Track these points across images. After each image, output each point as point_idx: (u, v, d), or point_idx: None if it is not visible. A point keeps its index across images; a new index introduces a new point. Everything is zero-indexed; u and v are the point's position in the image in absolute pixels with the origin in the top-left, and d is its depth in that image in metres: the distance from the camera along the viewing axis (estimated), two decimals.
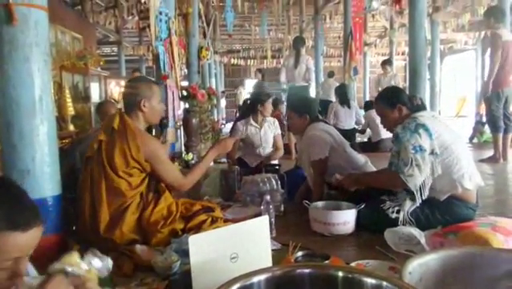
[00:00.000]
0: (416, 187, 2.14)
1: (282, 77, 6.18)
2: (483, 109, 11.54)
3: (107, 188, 1.98)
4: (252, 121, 3.85)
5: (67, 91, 5.15)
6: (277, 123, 3.96)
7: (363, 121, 6.50)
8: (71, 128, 5.05)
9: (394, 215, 2.21)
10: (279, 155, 3.89)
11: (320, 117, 3.02)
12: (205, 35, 6.62)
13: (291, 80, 6.07)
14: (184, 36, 5.54)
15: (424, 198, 2.17)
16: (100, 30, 9.90)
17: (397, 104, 2.34)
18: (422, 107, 2.48)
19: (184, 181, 2.17)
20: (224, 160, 4.13)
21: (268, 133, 3.86)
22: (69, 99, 5.10)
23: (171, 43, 4.07)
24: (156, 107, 2.16)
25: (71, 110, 5.09)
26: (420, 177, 2.12)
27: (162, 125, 3.23)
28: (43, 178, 1.93)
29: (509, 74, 4.51)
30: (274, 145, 3.90)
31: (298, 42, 6.19)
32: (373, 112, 6.15)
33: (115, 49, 12.44)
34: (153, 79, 2.80)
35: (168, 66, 4.43)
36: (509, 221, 2.00)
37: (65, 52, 6.22)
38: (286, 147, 5.52)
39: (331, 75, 9.34)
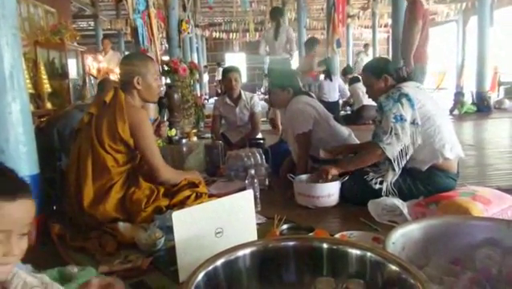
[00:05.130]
0: (393, 155, 2.17)
1: (261, 49, 6.06)
2: (463, 81, 11.67)
3: (93, 162, 1.96)
4: (227, 99, 3.76)
5: (43, 68, 4.97)
6: (256, 99, 3.80)
7: (347, 94, 6.54)
8: (49, 105, 4.91)
9: (377, 186, 2.24)
10: (256, 133, 3.74)
11: (303, 90, 2.99)
12: (184, 8, 6.43)
13: (272, 53, 5.95)
14: (164, 9, 5.37)
15: (401, 167, 2.19)
16: (75, 4, 9.55)
17: (383, 74, 2.34)
18: (408, 79, 2.48)
19: (165, 168, 2.07)
20: (207, 135, 4.09)
21: (244, 112, 3.75)
22: (45, 76, 4.93)
23: (149, 16, 3.95)
24: (153, 85, 2.11)
25: (47, 87, 4.93)
26: (397, 146, 2.15)
27: (161, 104, 3.15)
28: (19, 158, 1.87)
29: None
30: (252, 124, 3.76)
31: (277, 13, 6.03)
32: (357, 85, 6.23)
33: (92, 23, 12.04)
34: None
35: (147, 40, 4.32)
36: (489, 190, 2.03)
37: (38, 27, 5.97)
38: (272, 121, 5.51)
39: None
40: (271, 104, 4.88)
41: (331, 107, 5.29)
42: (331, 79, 6.21)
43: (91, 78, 6.48)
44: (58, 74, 5.65)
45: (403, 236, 1.22)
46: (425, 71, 4.14)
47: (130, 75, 2.06)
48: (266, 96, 5.38)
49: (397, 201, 2.03)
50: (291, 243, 1.12)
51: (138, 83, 2.06)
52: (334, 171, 2.35)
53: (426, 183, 2.21)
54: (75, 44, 6.15)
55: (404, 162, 2.19)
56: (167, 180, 2.06)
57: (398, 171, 2.21)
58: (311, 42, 6.32)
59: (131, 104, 2.03)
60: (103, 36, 8.49)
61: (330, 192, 2.30)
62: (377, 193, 2.20)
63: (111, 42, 7.56)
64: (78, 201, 1.94)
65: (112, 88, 2.11)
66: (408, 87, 2.25)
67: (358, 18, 13.80)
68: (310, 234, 1.75)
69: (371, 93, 2.43)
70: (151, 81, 2.10)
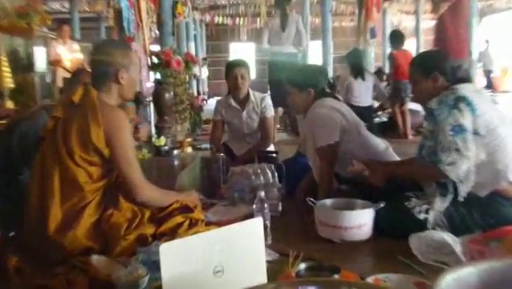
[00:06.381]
0: (459, 177, 2.14)
1: (265, 41, 6.17)
2: None
3: (61, 178, 1.97)
4: (232, 100, 3.75)
5: (4, 58, 5.04)
6: (268, 101, 3.80)
7: (385, 95, 6.53)
8: (10, 104, 4.97)
9: (422, 216, 2.22)
10: (266, 146, 3.74)
11: (328, 91, 2.99)
12: None
13: (276, 45, 6.09)
14: None
15: (467, 191, 2.15)
16: None
17: (433, 72, 2.34)
18: (466, 81, 2.45)
19: (146, 185, 2.06)
20: (206, 145, 4.10)
21: (252, 116, 3.75)
22: (6, 68, 5.00)
23: None
24: (135, 79, 2.18)
25: (9, 81, 5.01)
26: (463, 165, 2.12)
27: (138, 101, 3.19)
28: None
29: None
30: (261, 132, 3.76)
31: (282, 1, 6.13)
32: None
33: (67, 4, 12.24)
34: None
35: (133, 25, 4.37)
36: None
37: (1, 8, 6.06)
38: (292, 123, 5.51)
39: None
40: (288, 109, 4.89)
41: (363, 113, 5.29)
42: (363, 78, 6.19)
43: (61, 71, 6.53)
44: (22, 66, 5.73)
45: (456, 282, 1.19)
46: (468, 69, 4.19)
47: (111, 67, 2.08)
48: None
49: (447, 236, 1.99)
50: (312, 288, 1.10)
51: (122, 78, 2.09)
52: (380, 174, 2.39)
53: (485, 213, 2.18)
54: (45, 30, 6.24)
55: (470, 185, 2.15)
56: (147, 200, 2.06)
57: (462, 196, 2.17)
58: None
59: (106, 104, 2.05)
60: (62, 21, 8.37)
61: (361, 221, 2.28)
62: (421, 225, 2.18)
63: (68, 26, 7.57)
64: (42, 227, 1.94)
65: (80, 84, 2.14)
66: (465, 90, 2.24)
67: (397, 1, 13.87)
68: (335, 276, 1.73)
69: (417, 94, 2.45)
70: (134, 75, 2.15)
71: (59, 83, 6.08)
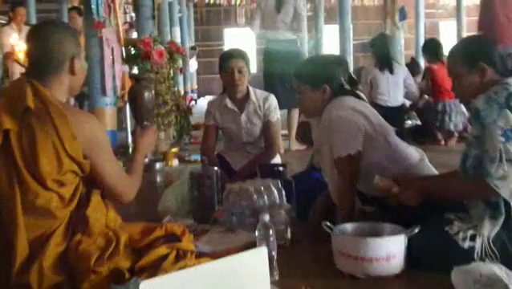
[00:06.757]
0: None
1: (256, 24, 6.25)
2: None
3: (25, 206, 1.95)
4: (227, 100, 3.78)
5: None
6: (272, 101, 3.81)
7: (416, 93, 6.50)
8: None
9: (466, 244, 2.21)
10: (272, 156, 3.76)
11: (348, 88, 2.99)
12: None
13: (269, 29, 6.17)
14: None
15: None
16: None
17: (479, 63, 2.34)
18: None
19: (130, 184, 2.24)
20: (196, 157, 4.11)
21: (254, 120, 3.77)
22: None
23: None
24: (85, 69, 2.27)
25: None
26: None
27: (80, 96, 3.20)
28: None
29: None
30: (265, 140, 3.79)
31: None
32: None
33: None
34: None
35: (104, 7, 4.40)
36: None
37: None
38: (304, 125, 5.51)
39: None
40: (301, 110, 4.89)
41: (392, 115, 5.29)
42: (391, 71, 6.20)
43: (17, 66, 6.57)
44: None
45: None
46: None
47: (63, 55, 2.09)
48: None
49: (500, 270, 1.99)
50: None
51: (76, 68, 2.11)
52: (413, 191, 2.38)
53: None
54: None
55: None
56: (134, 195, 2.26)
57: None
58: None
59: (66, 105, 2.10)
60: (15, 3, 8.32)
61: (390, 251, 2.27)
62: (466, 256, 2.17)
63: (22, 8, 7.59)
64: (4, 264, 1.95)
65: (22, 82, 2.09)
66: None
67: None
68: None
69: (460, 90, 2.45)
70: (84, 62, 2.22)
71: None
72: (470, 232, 2.24)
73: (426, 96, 6.57)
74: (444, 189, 2.50)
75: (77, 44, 2.17)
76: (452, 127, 6.13)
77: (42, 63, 2.10)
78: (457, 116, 6.12)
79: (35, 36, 2.18)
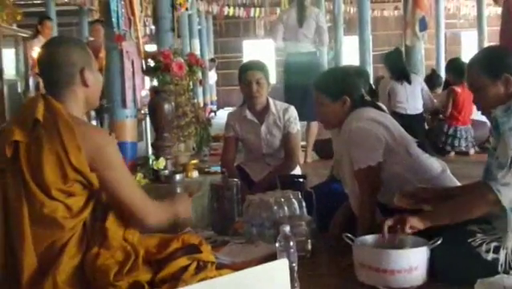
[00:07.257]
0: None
1: (279, 37, 6.35)
2: None
3: (32, 216, 1.95)
4: (247, 112, 3.79)
5: None
6: (292, 113, 3.81)
7: (433, 103, 6.55)
8: None
9: (490, 256, 2.20)
10: (292, 168, 3.76)
11: (368, 99, 2.99)
12: None
13: (291, 42, 6.29)
14: None
15: None
16: None
17: (503, 73, 2.32)
18: None
19: (151, 208, 2.14)
20: (216, 168, 4.13)
21: (273, 132, 3.77)
22: None
23: None
24: (100, 80, 2.23)
25: None
26: None
27: (100, 110, 3.21)
28: None
29: None
30: (285, 151, 3.79)
31: None
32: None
33: None
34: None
35: (124, 21, 4.44)
36: None
37: None
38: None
39: None
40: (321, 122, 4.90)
41: (412, 123, 5.27)
42: (408, 81, 6.21)
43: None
44: None
45: None
46: None
47: (73, 68, 2.08)
48: None
49: None
50: None
51: (88, 78, 2.10)
52: (415, 222, 2.32)
53: None
54: (15, 27, 6.36)
55: None
56: (156, 225, 2.16)
57: None
58: None
59: (77, 118, 2.06)
60: (43, 17, 8.25)
61: (412, 263, 2.26)
62: (490, 268, 2.16)
63: (49, 20, 7.68)
64: (10, 280, 1.95)
65: (36, 96, 2.11)
66: None
67: None
68: None
69: (482, 102, 2.42)
70: (98, 74, 2.20)
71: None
72: (494, 244, 2.22)
73: (440, 116, 6.65)
74: (450, 210, 2.42)
75: (86, 55, 2.15)
76: (463, 148, 6.24)
77: (53, 78, 2.11)
78: (467, 141, 6.23)
79: (43, 52, 2.20)
